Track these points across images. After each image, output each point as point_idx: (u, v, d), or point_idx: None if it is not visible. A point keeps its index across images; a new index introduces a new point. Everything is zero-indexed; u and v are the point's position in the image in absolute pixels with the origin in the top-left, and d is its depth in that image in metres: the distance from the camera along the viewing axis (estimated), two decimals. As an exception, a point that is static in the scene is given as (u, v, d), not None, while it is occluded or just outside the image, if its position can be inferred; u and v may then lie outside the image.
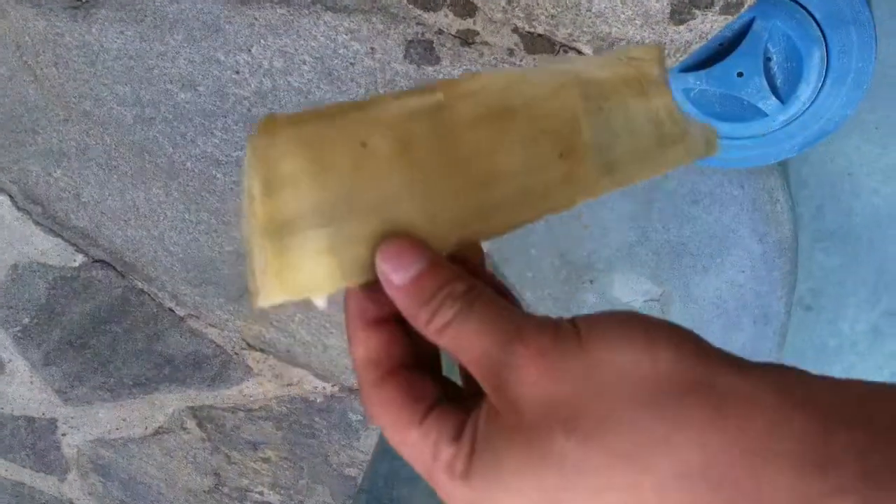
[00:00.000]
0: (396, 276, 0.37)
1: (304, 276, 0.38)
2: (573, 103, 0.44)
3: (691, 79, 1.13)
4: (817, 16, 1.08)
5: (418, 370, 0.39)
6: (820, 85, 1.12)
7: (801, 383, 0.32)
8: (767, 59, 1.11)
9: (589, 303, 1.41)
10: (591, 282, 1.39)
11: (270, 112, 0.41)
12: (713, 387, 0.31)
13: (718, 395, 0.31)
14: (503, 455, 0.33)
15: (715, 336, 1.43)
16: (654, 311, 1.38)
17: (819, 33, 1.09)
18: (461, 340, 0.35)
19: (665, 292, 1.38)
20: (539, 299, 1.41)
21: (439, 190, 0.40)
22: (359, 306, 0.40)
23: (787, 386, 0.31)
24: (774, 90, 1.12)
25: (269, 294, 0.39)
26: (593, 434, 0.31)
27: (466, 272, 0.38)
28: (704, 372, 0.32)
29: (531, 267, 1.37)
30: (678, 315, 1.38)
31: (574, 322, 0.35)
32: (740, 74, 1.11)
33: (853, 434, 0.29)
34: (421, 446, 0.35)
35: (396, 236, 0.38)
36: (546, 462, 0.32)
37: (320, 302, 0.40)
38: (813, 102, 1.13)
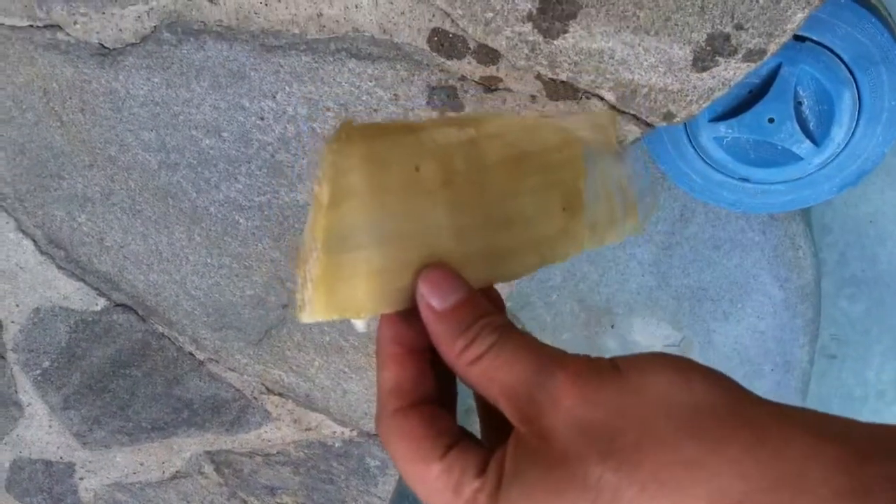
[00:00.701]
0: (437, 301, 0.38)
1: (352, 294, 0.39)
2: (578, 161, 0.45)
3: (722, 127, 1.13)
4: (845, 57, 1.09)
5: (441, 407, 0.39)
6: (854, 125, 1.12)
7: (832, 421, 0.32)
8: (798, 103, 1.12)
9: (609, 348, 1.40)
10: (612, 326, 1.39)
11: (348, 118, 0.42)
12: (748, 418, 0.31)
13: (754, 425, 0.31)
14: (533, 485, 0.32)
15: (736, 378, 1.41)
16: (674, 357, 1.37)
17: (848, 75, 1.09)
18: (495, 370, 0.35)
19: (685, 338, 1.38)
20: (558, 344, 1.40)
21: (472, 227, 0.41)
22: (393, 333, 0.41)
23: (819, 422, 0.31)
24: (808, 133, 1.12)
25: (315, 310, 0.40)
26: (629, 460, 0.31)
27: None
28: (739, 404, 0.33)
29: (550, 311, 1.37)
30: (699, 361, 1.37)
31: (610, 358, 0.36)
32: (771, 120, 1.11)
33: (886, 466, 0.28)
34: (443, 480, 0.35)
35: (440, 264, 0.39)
36: (580, 490, 0.31)
37: (361, 325, 0.40)
38: (848, 143, 1.13)
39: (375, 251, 0.38)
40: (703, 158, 1.18)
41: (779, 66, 1.09)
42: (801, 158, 1.14)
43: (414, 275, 0.39)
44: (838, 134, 1.13)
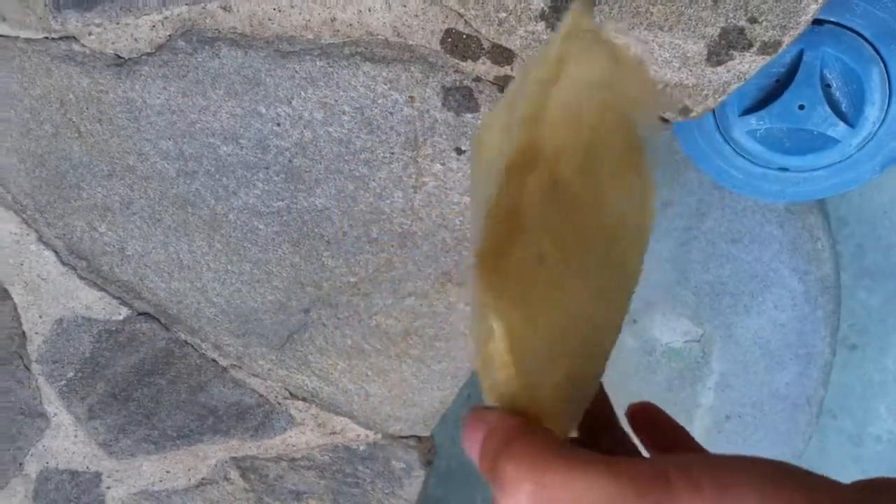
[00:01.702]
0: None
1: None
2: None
3: (753, 120, 1.13)
4: (867, 35, 1.08)
5: None
6: (887, 101, 1.11)
7: None
8: (826, 87, 1.11)
9: (628, 346, 1.40)
10: (634, 321, 1.38)
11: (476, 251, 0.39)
12: None
13: None
14: None
15: (758, 376, 1.42)
16: (695, 352, 1.37)
17: (872, 52, 1.08)
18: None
19: (706, 333, 1.37)
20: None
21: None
22: None
23: None
24: (840, 115, 1.11)
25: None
26: None
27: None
28: None
29: (571, 310, 1.36)
30: (720, 355, 1.37)
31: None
32: (801, 107, 1.10)
33: None
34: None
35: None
36: None
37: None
38: (884, 120, 1.12)
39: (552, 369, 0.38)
40: (739, 153, 1.18)
41: (801, 53, 1.09)
42: (838, 141, 1.13)
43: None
44: (872, 112, 1.12)
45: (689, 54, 0.84)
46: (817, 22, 1.08)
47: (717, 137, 1.17)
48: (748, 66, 0.84)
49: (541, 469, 0.32)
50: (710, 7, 0.81)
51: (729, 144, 1.17)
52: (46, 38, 1.01)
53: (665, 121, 0.89)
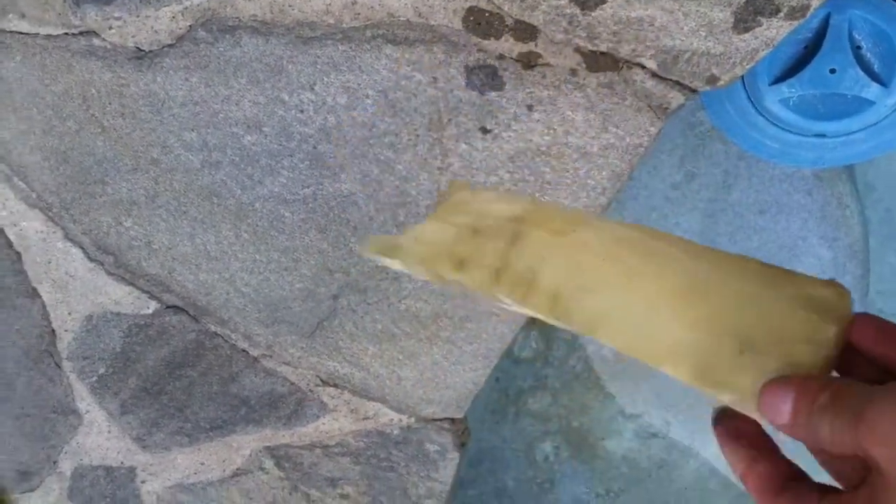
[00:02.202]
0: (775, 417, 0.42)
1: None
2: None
3: (785, 88, 1.12)
4: (893, -7, 1.07)
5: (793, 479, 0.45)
6: None
7: None
8: (857, 48, 1.10)
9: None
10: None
11: None
12: None
13: None
14: None
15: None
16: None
17: (901, 10, 1.07)
18: (871, 434, 0.37)
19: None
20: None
21: None
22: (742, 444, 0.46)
23: None
24: (873, 76, 1.10)
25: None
26: None
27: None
28: None
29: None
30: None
31: None
32: (833, 71, 1.09)
33: None
34: None
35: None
36: None
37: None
38: None
39: None
40: (774, 123, 1.16)
41: (828, 16, 1.07)
42: (873, 103, 1.12)
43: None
44: (905, 70, 1.10)
45: (715, 22, 0.83)
46: (842, -16, 1.07)
47: (749, 109, 1.16)
48: (776, 31, 0.83)
49: None
50: (736, -27, 0.80)
51: (762, 115, 1.16)
52: (66, 33, 1.01)
53: (693, 91, 0.89)
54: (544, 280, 0.50)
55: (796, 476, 0.44)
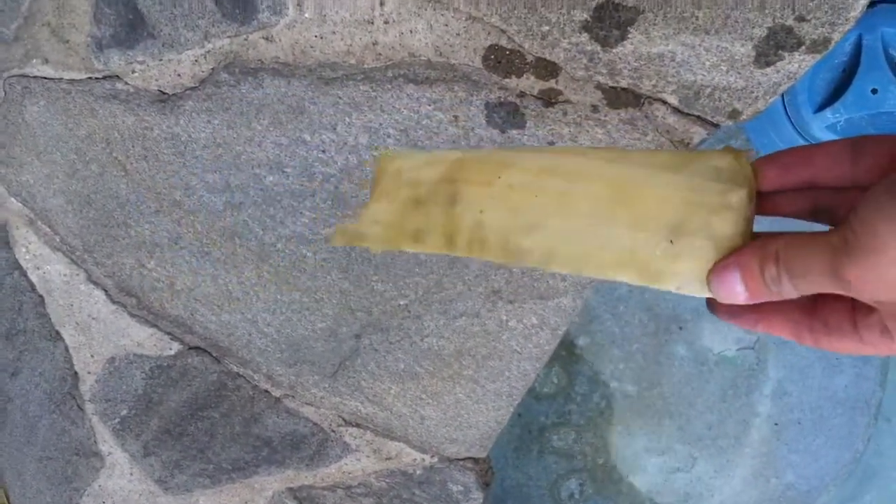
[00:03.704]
0: (735, 300, 0.45)
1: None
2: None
3: (829, 114, 1.11)
4: (923, 6, 1.07)
5: None
6: None
7: None
8: (895, 65, 1.09)
9: (679, 355, 1.38)
10: (680, 328, 1.37)
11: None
12: None
13: None
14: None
15: (816, 380, 1.40)
16: (749, 360, 1.36)
17: (933, 22, 1.07)
18: (813, 289, 0.41)
19: (760, 339, 1.36)
20: (628, 354, 1.40)
21: None
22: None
23: None
24: None
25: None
26: None
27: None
28: None
29: (619, 323, 1.35)
30: (775, 362, 1.35)
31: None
32: (874, 91, 1.09)
33: None
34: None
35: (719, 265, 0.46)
36: None
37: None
38: None
39: None
40: None
41: (860, 38, 1.07)
42: (923, 117, 1.11)
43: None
44: (945, 81, 1.10)
45: (736, 57, 0.84)
46: (869, 4, 1.07)
47: (797, 140, 1.15)
48: (798, 65, 0.83)
49: None
50: (756, 8, 0.80)
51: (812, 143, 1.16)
52: (90, 78, 1.02)
53: (715, 125, 0.89)
54: (491, 231, 0.52)
55: (806, 301, 0.46)
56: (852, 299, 0.43)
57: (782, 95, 1.13)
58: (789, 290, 0.42)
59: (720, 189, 0.48)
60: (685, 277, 0.48)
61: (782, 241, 0.42)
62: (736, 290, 0.44)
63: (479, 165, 0.54)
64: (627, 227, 0.49)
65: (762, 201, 0.49)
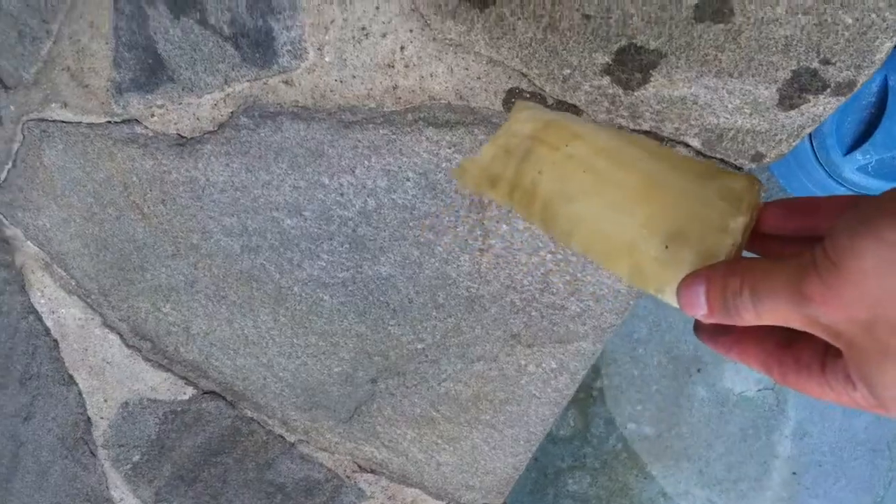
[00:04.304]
0: (695, 312, 0.45)
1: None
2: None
3: (859, 156, 1.11)
4: (946, 49, 1.07)
5: None
6: None
7: None
8: None
9: (699, 396, 1.37)
10: (699, 370, 1.36)
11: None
12: None
13: None
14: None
15: (836, 421, 1.38)
16: (769, 400, 1.34)
17: (956, 63, 1.07)
18: (773, 314, 0.41)
19: (779, 382, 1.34)
20: (647, 396, 1.38)
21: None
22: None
23: None
24: None
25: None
26: None
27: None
28: None
29: (637, 365, 1.34)
30: (795, 402, 1.33)
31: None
32: None
33: None
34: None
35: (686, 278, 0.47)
36: None
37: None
38: None
39: None
40: (857, 192, 1.16)
41: (885, 79, 1.07)
42: (952, 153, 1.11)
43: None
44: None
45: (760, 100, 0.83)
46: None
47: (829, 182, 1.15)
48: (823, 108, 0.83)
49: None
50: (780, 51, 0.80)
51: (843, 185, 1.15)
52: (109, 122, 1.02)
53: (738, 168, 0.88)
54: (540, 192, 0.54)
55: (783, 335, 0.46)
56: (826, 343, 0.43)
57: (811, 140, 1.13)
58: (749, 314, 0.42)
59: (724, 209, 0.49)
60: (666, 284, 0.48)
61: (751, 262, 0.43)
62: (698, 302, 0.45)
63: (557, 130, 0.57)
64: (639, 222, 0.50)
65: (759, 241, 0.50)
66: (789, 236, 0.49)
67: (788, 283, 0.40)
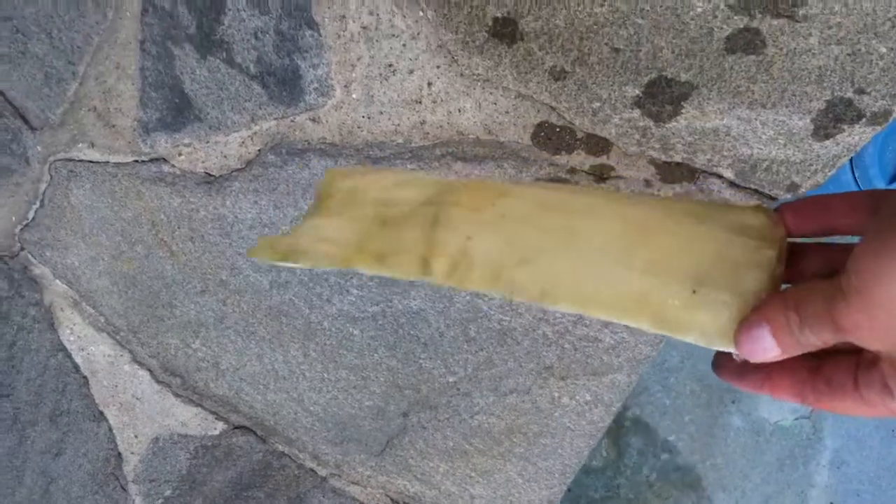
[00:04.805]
0: (764, 356, 0.44)
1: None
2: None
3: None
4: None
5: None
6: None
7: None
8: None
9: (734, 425, 1.35)
10: (733, 401, 1.34)
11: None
12: None
13: None
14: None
15: (874, 450, 1.36)
16: (806, 429, 1.32)
17: None
18: (819, 330, 0.41)
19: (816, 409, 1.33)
20: (680, 426, 1.36)
21: None
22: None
23: None
24: None
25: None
26: None
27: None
28: None
29: (669, 394, 1.33)
30: (832, 431, 1.31)
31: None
32: None
33: None
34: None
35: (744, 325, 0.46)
36: None
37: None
38: None
39: None
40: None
41: None
42: None
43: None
44: None
45: (794, 130, 0.82)
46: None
47: None
48: (858, 137, 0.81)
49: None
50: (814, 81, 0.79)
51: None
52: (136, 161, 1.02)
53: (772, 198, 0.87)
54: (479, 258, 0.50)
55: (811, 360, 0.46)
56: (857, 357, 0.43)
57: (853, 171, 1.11)
58: (813, 339, 0.42)
59: (752, 246, 0.47)
60: (707, 330, 0.46)
61: (796, 293, 0.43)
62: (765, 346, 0.44)
63: (470, 191, 0.53)
64: (642, 270, 0.48)
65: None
66: (809, 235, 0.49)
67: (825, 312, 0.39)
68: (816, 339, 0.41)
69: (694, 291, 0.47)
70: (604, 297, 0.48)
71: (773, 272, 0.47)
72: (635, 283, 0.48)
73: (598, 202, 0.51)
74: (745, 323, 0.45)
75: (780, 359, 0.44)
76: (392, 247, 0.52)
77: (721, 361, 0.50)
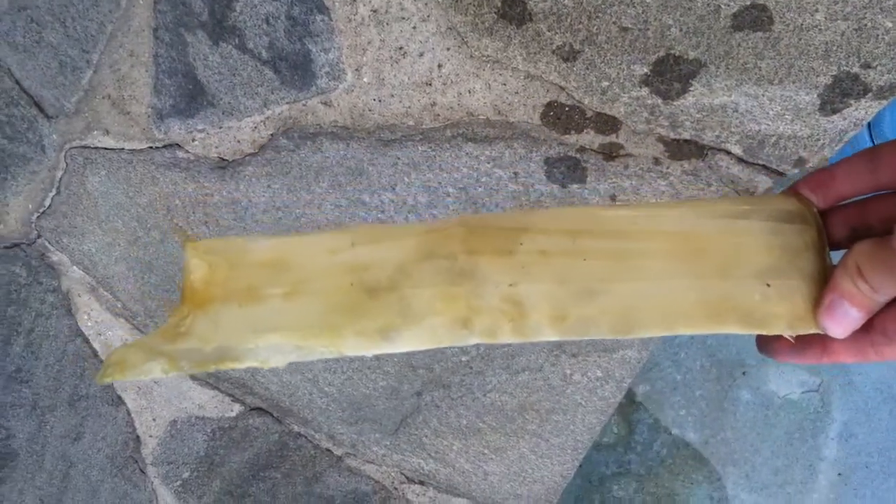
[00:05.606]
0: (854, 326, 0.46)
1: None
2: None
3: None
4: None
5: None
6: None
7: None
8: None
9: (744, 400, 1.36)
10: (744, 373, 1.35)
11: None
12: None
13: None
14: None
15: (882, 422, 1.37)
16: (814, 403, 1.33)
17: None
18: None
19: (824, 382, 1.34)
20: (690, 401, 1.38)
21: None
22: None
23: None
24: None
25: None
26: None
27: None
28: None
29: (680, 370, 1.34)
30: (840, 404, 1.32)
31: None
32: None
33: None
34: None
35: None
36: None
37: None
38: None
39: None
40: None
41: None
42: None
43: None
44: None
45: (801, 105, 0.83)
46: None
47: None
48: (864, 112, 0.82)
49: None
50: (821, 56, 0.80)
51: None
52: (150, 147, 1.03)
53: (780, 174, 0.88)
54: (534, 304, 0.47)
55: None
56: None
57: (871, 140, 1.12)
58: (884, 298, 0.43)
59: (798, 230, 0.49)
60: (791, 318, 0.47)
61: (855, 255, 0.44)
62: (852, 319, 0.45)
63: (477, 235, 0.48)
64: (714, 277, 0.48)
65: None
66: (822, 209, 0.51)
67: (890, 271, 0.42)
68: (887, 297, 0.43)
69: (768, 284, 0.47)
70: (688, 311, 0.47)
71: (821, 249, 0.48)
72: (712, 290, 0.48)
73: (627, 216, 0.49)
74: (825, 305, 0.46)
75: (866, 319, 0.45)
76: (393, 318, 0.47)
77: (771, 344, 0.51)
